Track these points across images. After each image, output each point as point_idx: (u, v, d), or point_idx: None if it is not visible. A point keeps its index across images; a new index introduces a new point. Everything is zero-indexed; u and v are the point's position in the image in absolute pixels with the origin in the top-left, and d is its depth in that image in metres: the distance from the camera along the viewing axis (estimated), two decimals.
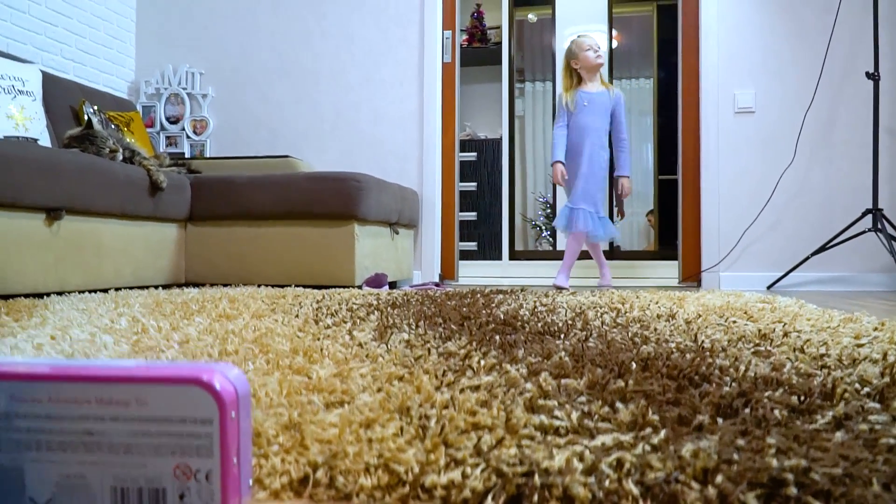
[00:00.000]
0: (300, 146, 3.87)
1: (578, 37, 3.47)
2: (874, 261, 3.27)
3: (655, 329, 1.29)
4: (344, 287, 2.83)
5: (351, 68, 3.85)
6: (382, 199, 3.05)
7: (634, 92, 6.26)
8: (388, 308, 1.71)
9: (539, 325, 1.36)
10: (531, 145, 6.07)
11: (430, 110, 3.74)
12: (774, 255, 3.37)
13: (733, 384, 0.77)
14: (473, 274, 5.00)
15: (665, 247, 5.31)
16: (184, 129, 4.00)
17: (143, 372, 0.40)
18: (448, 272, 3.87)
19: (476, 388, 0.76)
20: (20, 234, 2.09)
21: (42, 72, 3.02)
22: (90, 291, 2.34)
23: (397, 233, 3.34)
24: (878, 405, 0.69)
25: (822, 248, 3.19)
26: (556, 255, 5.08)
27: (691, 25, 3.55)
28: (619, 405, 0.68)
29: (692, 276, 3.55)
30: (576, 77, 3.47)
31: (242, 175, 2.95)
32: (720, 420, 0.63)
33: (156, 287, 2.69)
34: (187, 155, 3.96)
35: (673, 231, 4.05)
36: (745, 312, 1.59)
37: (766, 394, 0.72)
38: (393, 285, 3.48)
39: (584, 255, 3.73)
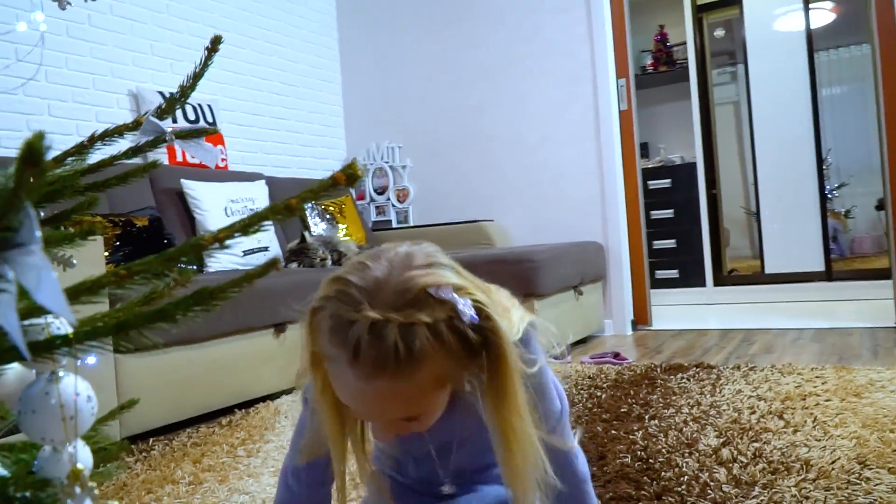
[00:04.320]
0: (488, 208, 4.16)
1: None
2: None
3: (775, 498, 1.35)
4: None
5: (528, 130, 4.04)
6: (560, 270, 3.22)
7: (849, 61, 5.66)
8: None
9: (666, 481, 1.48)
10: (747, 133, 5.65)
11: (609, 162, 3.81)
12: None
13: None
14: (675, 302, 4.96)
15: None
16: (389, 199, 4.48)
17: None
18: (641, 317, 3.92)
19: None
20: (257, 350, 2.59)
21: (267, 179, 3.61)
22: None
23: (581, 293, 3.48)
24: None
25: None
26: (764, 279, 4.86)
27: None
28: None
29: None
30: None
31: None
32: None
33: None
34: (394, 223, 4.43)
35: None
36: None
37: None
38: (585, 341, 3.65)
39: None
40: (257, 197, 3.36)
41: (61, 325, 0.41)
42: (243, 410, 2.42)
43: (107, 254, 2.56)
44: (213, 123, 3.51)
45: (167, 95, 3.32)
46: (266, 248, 3.26)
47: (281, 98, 4.16)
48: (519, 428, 0.80)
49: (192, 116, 3.39)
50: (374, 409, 0.77)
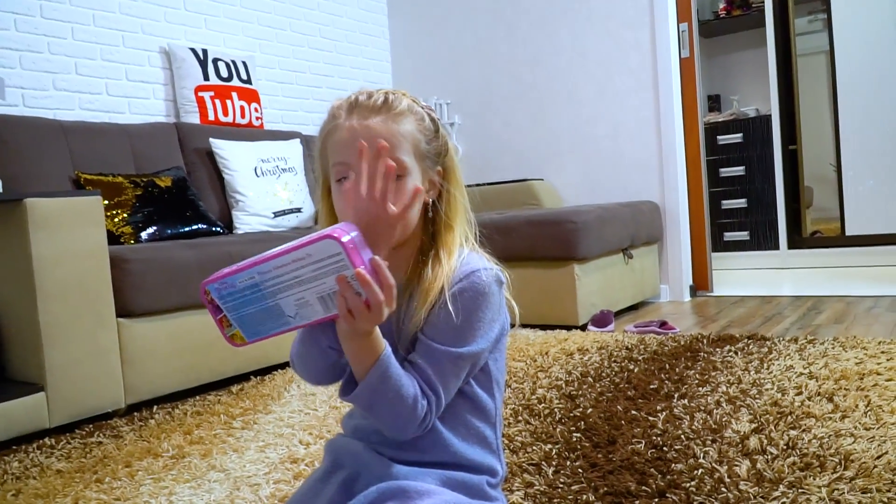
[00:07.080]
0: (542, 167, 3.93)
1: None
2: None
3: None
4: (568, 328, 2.86)
5: (584, 83, 3.77)
6: (606, 232, 2.98)
7: None
8: (566, 407, 1.73)
9: (675, 474, 1.29)
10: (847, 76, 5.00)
11: (668, 116, 3.51)
12: None
13: None
14: (745, 266, 4.62)
15: None
16: None
17: (304, 242, 0.75)
18: (701, 283, 3.64)
19: None
20: None
21: (303, 138, 3.49)
22: None
23: (631, 257, 3.24)
24: None
25: None
26: (844, 241, 4.44)
27: None
28: None
29: None
30: None
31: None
32: None
33: None
34: None
35: None
36: None
37: None
38: (637, 307, 3.42)
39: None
40: (291, 156, 3.25)
41: None
42: (258, 378, 2.35)
43: (126, 214, 2.52)
44: (248, 81, 3.42)
45: (199, 52, 3.24)
46: (299, 209, 3.17)
47: (323, 53, 4.03)
48: (447, 242, 0.93)
49: (224, 74, 3.30)
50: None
